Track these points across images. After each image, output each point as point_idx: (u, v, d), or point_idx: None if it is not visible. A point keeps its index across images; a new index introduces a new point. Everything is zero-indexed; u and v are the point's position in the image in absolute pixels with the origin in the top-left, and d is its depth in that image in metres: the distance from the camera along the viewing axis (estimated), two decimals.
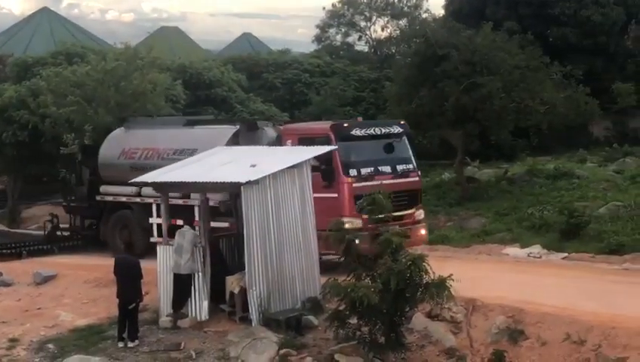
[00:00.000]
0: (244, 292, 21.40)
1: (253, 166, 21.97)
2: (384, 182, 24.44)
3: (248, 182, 20.99)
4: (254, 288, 21.09)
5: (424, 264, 18.21)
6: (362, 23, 69.46)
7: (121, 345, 20.95)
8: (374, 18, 69.31)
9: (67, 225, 32.31)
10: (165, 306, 22.36)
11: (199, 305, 22.06)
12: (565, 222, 30.73)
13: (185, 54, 61.02)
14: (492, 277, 24.08)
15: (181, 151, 27.18)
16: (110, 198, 29.57)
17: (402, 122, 26.88)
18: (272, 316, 21.10)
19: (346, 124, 25.70)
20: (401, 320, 19.17)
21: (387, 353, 18.88)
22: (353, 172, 24.72)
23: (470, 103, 36.65)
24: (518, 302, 20.87)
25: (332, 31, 69.58)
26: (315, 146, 24.05)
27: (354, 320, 18.97)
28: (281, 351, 19.85)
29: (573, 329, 19.31)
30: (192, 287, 22.08)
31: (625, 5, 55.65)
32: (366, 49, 70.04)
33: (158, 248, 22.90)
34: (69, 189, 32.77)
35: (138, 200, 28.53)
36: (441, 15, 61.14)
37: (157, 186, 23.63)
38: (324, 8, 68.87)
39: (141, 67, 38.85)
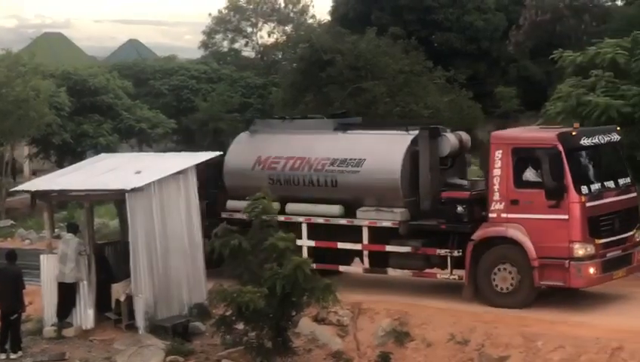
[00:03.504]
0: (130, 299, 21.27)
1: (139, 172, 21.84)
2: (610, 199, 21.13)
3: (133, 189, 20.87)
4: (140, 295, 20.98)
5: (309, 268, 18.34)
6: (248, 29, 69.32)
7: (3, 356, 20.59)
8: (260, 24, 69.25)
9: None
10: (50, 316, 22.04)
11: (84, 314, 21.80)
12: None
13: (69, 61, 59.95)
14: None
15: (343, 162, 23.20)
16: (245, 216, 21.06)
17: (618, 128, 22.54)
18: (159, 323, 20.99)
19: (574, 133, 21.23)
20: (288, 325, 19.21)
21: (274, 357, 18.92)
22: (584, 189, 20.61)
23: (355, 108, 36.94)
24: (402, 304, 21.08)
25: (218, 37, 69.23)
26: (203, 153, 23.33)
27: (241, 326, 18.97)
28: (168, 358, 19.78)
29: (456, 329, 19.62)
30: (77, 296, 21.81)
31: (506, 11, 56.85)
32: (253, 55, 69.97)
33: (41, 257, 22.54)
34: None
35: (282, 218, 22.50)
36: (327, 21, 61.48)
37: (39, 195, 23.27)
38: (210, 14, 68.66)
39: (23, 74, 38.34)
